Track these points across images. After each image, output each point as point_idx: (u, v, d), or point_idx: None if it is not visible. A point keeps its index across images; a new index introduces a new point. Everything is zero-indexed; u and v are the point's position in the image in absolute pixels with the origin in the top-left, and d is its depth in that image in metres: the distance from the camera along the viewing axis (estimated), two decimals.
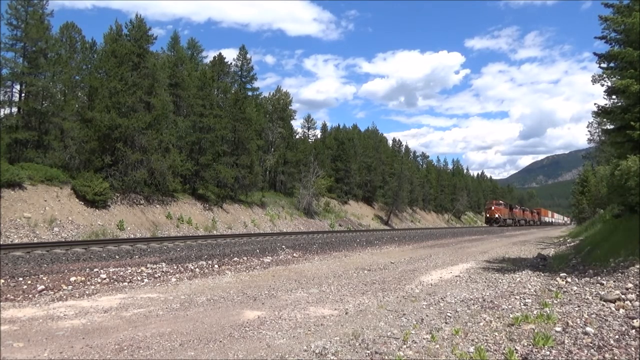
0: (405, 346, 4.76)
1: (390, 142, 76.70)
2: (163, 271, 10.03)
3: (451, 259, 14.25)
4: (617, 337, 4.90)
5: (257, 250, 14.04)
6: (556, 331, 5.18)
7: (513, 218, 66.09)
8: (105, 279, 8.85)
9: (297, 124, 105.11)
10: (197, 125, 30.66)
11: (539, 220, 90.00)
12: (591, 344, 4.67)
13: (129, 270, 9.68)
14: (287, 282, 9.06)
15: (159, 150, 26.06)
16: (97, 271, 9.36)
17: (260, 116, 40.93)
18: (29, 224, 18.26)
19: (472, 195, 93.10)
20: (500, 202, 65.27)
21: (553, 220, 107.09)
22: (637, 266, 8.42)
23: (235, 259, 12.42)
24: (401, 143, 79.42)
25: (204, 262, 11.43)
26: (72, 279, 8.56)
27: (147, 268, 10.13)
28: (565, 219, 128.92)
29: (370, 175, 57.04)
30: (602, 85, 12.29)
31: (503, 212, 60.87)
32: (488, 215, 61.08)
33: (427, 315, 6.16)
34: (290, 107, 47.50)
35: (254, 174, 34.35)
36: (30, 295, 7.35)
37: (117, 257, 11.60)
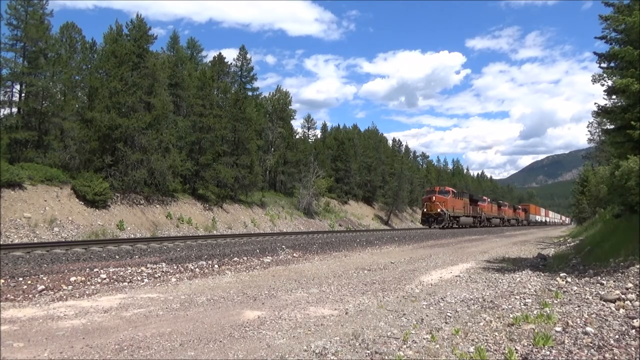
0: (405, 346, 4.76)
1: (390, 142, 76.74)
2: (163, 271, 10.03)
3: (451, 259, 14.24)
4: (617, 337, 4.90)
5: (257, 250, 14.04)
6: (556, 331, 5.17)
7: (477, 215, 46.57)
8: (105, 279, 8.85)
9: (297, 124, 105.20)
10: (197, 125, 30.67)
11: (527, 219, 72.94)
12: (591, 344, 4.67)
13: (129, 270, 9.67)
14: (287, 282, 9.05)
15: (159, 150, 26.06)
16: (97, 271, 9.36)
17: (260, 116, 40.95)
18: (29, 224, 18.26)
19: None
20: (448, 189, 40.93)
21: (547, 220, 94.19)
22: (637, 266, 8.42)
23: (235, 259, 12.42)
24: (401, 143, 79.48)
25: (204, 262, 11.42)
26: (72, 279, 8.56)
27: (147, 268, 10.13)
28: (564, 218, 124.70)
29: (370, 175, 57.06)
30: (602, 85, 12.29)
31: (453, 205, 39.37)
32: (426, 209, 38.88)
33: (427, 315, 6.16)
34: (290, 107, 47.54)
35: (254, 174, 34.37)
36: (30, 295, 7.34)
37: (117, 257, 11.59)
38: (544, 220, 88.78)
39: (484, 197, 54.36)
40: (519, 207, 73.59)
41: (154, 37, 28.21)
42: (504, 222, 59.10)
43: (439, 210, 37.63)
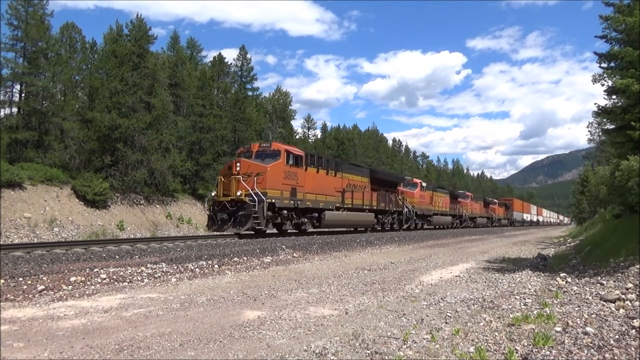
0: (405, 346, 4.76)
1: (390, 142, 76.80)
2: (163, 271, 10.02)
3: (451, 259, 14.24)
4: (617, 337, 4.90)
5: (257, 250, 14.03)
6: (556, 331, 5.17)
7: (388, 210, 26.13)
8: (105, 279, 8.84)
9: (297, 124, 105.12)
10: (197, 125, 30.72)
11: (508, 217, 57.86)
12: (591, 344, 4.67)
13: (129, 270, 9.66)
14: (287, 282, 9.05)
15: (159, 150, 26.10)
16: (97, 271, 9.35)
17: (260, 116, 40.96)
18: (29, 224, 18.27)
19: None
20: (278, 147, 17.72)
21: (541, 219, 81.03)
22: (637, 266, 8.42)
23: (235, 259, 12.41)
24: (401, 143, 79.63)
25: (204, 262, 11.42)
26: (72, 279, 8.55)
27: (147, 268, 10.11)
28: (561, 217, 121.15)
29: None
30: (603, 85, 12.31)
31: (293, 182, 17.85)
32: (216, 192, 17.59)
33: (427, 315, 6.16)
34: (290, 107, 47.59)
35: None
36: (30, 295, 7.34)
37: (117, 257, 11.58)
38: (535, 219, 74.27)
39: (415, 180, 32.92)
40: (495, 201, 55.60)
41: (154, 37, 28.33)
42: (463, 221, 39.58)
43: (239, 193, 16.40)
